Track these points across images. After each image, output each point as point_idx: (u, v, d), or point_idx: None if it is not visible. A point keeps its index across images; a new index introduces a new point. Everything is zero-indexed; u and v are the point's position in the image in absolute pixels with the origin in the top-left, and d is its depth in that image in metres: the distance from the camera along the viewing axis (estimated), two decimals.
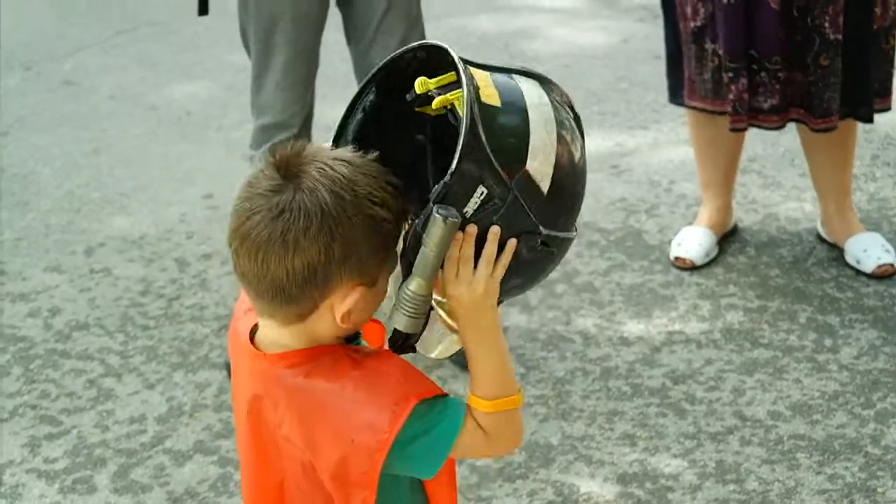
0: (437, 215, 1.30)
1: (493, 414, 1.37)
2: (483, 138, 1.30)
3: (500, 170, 1.31)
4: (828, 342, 2.77)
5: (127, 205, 3.58)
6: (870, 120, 2.94)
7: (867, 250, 2.99)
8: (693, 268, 3.05)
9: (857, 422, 2.53)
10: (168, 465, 2.55)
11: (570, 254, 3.18)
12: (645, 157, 3.65)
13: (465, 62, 1.36)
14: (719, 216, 3.13)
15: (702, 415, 2.58)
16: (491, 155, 1.31)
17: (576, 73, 4.24)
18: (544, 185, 1.34)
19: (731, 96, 2.84)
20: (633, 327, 2.87)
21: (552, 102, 1.39)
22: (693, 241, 3.08)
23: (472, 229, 1.33)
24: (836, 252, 3.07)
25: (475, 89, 1.33)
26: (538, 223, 1.36)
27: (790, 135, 3.13)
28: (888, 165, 3.48)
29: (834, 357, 2.72)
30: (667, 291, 2.99)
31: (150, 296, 3.12)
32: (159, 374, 2.83)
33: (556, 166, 1.35)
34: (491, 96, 1.34)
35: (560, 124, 1.37)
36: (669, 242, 3.14)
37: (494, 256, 1.34)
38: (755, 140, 3.46)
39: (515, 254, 1.35)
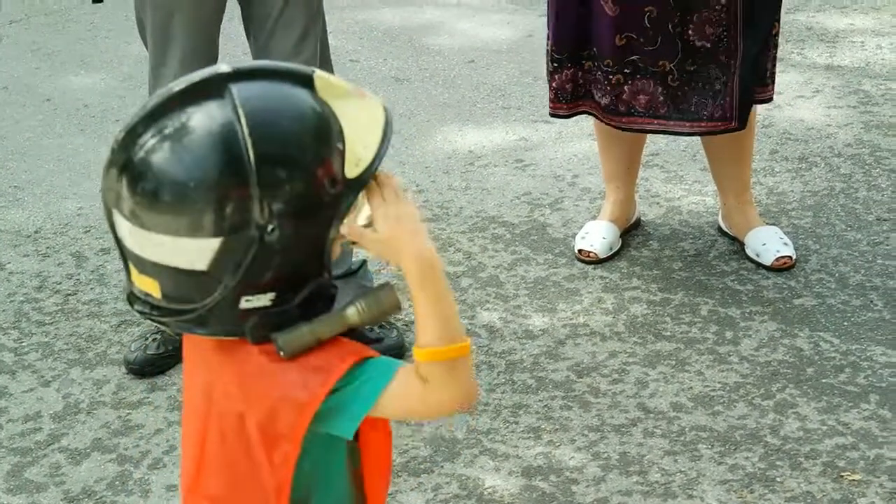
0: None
1: (430, 363, 1.33)
2: None
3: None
4: (729, 334, 2.81)
5: (21, 198, 3.49)
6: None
7: (766, 244, 3.03)
8: (597, 261, 3.07)
9: (757, 412, 2.56)
10: (64, 463, 2.49)
11: (476, 248, 3.18)
12: (549, 151, 3.66)
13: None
14: (623, 210, 3.15)
15: (605, 407, 2.59)
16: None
17: (480, 67, 4.24)
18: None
19: (554, 84, 2.94)
20: (537, 320, 2.88)
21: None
22: (597, 235, 3.10)
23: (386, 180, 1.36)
24: (736, 245, 3.11)
25: None
26: None
27: None
28: (787, 160, 3.54)
29: (735, 349, 2.76)
30: (571, 285, 3.00)
31: (45, 291, 3.05)
32: (55, 370, 2.76)
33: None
34: None
35: None
36: (574, 236, 3.16)
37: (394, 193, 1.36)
38: (657, 135, 3.49)
39: None
